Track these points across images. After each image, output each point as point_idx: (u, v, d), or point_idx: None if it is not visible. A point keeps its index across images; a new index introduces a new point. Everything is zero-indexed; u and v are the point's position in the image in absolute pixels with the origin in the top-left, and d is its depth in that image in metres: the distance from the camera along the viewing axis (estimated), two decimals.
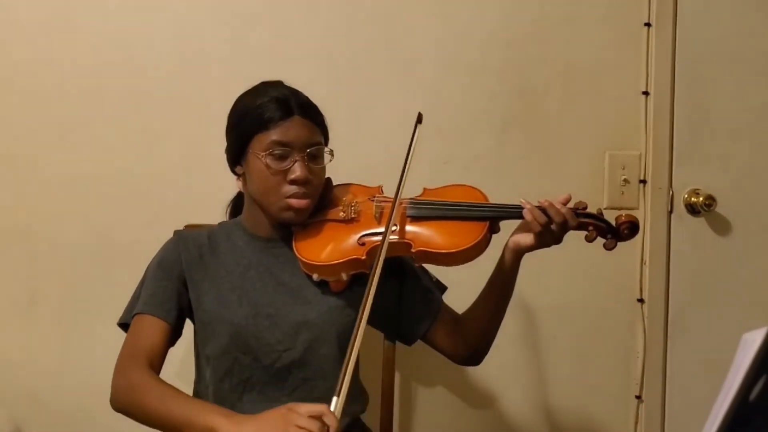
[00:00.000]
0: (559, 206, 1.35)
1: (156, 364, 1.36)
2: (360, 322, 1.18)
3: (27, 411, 1.83)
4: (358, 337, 1.17)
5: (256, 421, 1.16)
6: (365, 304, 1.20)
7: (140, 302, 1.41)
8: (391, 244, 1.33)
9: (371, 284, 1.22)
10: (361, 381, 1.56)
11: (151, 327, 1.38)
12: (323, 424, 1.10)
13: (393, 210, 1.34)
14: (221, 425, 1.16)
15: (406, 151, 1.40)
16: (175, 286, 1.42)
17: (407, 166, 1.39)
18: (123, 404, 1.31)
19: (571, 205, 1.38)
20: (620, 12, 2.02)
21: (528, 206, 1.35)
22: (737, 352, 0.71)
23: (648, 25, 2.02)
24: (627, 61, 2.03)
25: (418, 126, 1.44)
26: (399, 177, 1.38)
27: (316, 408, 1.13)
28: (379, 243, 1.35)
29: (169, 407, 1.23)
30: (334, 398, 1.13)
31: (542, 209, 1.34)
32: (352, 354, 1.16)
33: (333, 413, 1.12)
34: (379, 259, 1.26)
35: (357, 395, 1.50)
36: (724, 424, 0.69)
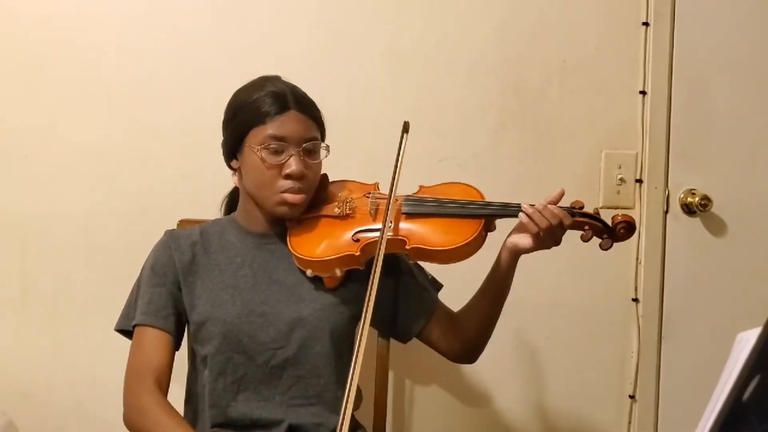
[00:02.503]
0: (553, 208, 1.34)
1: (164, 381, 1.38)
2: (364, 323, 1.17)
3: (19, 405, 1.83)
4: (362, 338, 1.14)
5: None
6: (367, 306, 1.19)
7: (138, 311, 1.41)
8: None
9: (372, 285, 1.21)
10: None
11: (154, 341, 1.39)
12: None
13: (388, 207, 1.33)
14: None
15: (400, 152, 1.39)
16: (171, 291, 1.42)
17: (397, 176, 1.37)
18: (134, 428, 1.35)
19: (566, 202, 1.37)
20: (618, 11, 2.02)
21: (529, 210, 1.34)
22: (732, 351, 0.71)
23: (646, 24, 2.02)
24: (624, 60, 2.02)
25: (405, 135, 1.41)
26: (392, 177, 1.37)
27: None
28: (373, 239, 1.36)
29: None
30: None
31: (538, 211, 1.34)
32: (358, 359, 1.13)
33: None
34: (378, 257, 1.25)
35: None
36: (717, 424, 0.69)
